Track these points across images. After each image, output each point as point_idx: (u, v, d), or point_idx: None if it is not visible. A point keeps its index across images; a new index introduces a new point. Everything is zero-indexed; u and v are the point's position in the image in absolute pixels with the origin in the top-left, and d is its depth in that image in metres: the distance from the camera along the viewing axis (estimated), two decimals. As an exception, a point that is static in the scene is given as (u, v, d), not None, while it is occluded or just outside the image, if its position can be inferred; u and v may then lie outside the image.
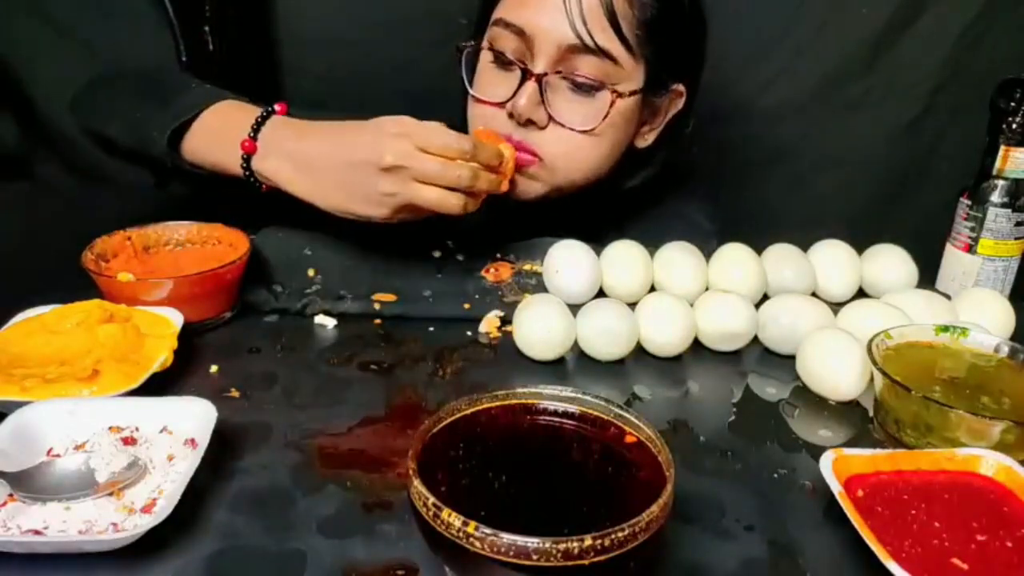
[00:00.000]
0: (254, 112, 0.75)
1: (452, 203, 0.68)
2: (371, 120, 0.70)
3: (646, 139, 0.88)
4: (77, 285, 0.68)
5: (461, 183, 0.68)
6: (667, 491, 0.38)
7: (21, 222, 0.85)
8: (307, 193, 0.70)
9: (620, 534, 0.35)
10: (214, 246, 0.75)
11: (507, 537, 0.35)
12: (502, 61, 0.80)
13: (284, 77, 1.18)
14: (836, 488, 0.47)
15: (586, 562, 0.35)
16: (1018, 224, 0.79)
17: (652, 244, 0.78)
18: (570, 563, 0.35)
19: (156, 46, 1.08)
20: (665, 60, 0.81)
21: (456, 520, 0.36)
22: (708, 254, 0.77)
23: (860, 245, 0.80)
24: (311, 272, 0.76)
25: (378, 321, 0.72)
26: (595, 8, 0.76)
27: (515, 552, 0.35)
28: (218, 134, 0.76)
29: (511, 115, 0.79)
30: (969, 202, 0.80)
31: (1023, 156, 0.77)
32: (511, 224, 0.91)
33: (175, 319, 0.64)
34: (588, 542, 0.35)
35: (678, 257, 0.75)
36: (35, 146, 1.16)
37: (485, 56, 0.83)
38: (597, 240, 0.80)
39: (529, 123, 0.79)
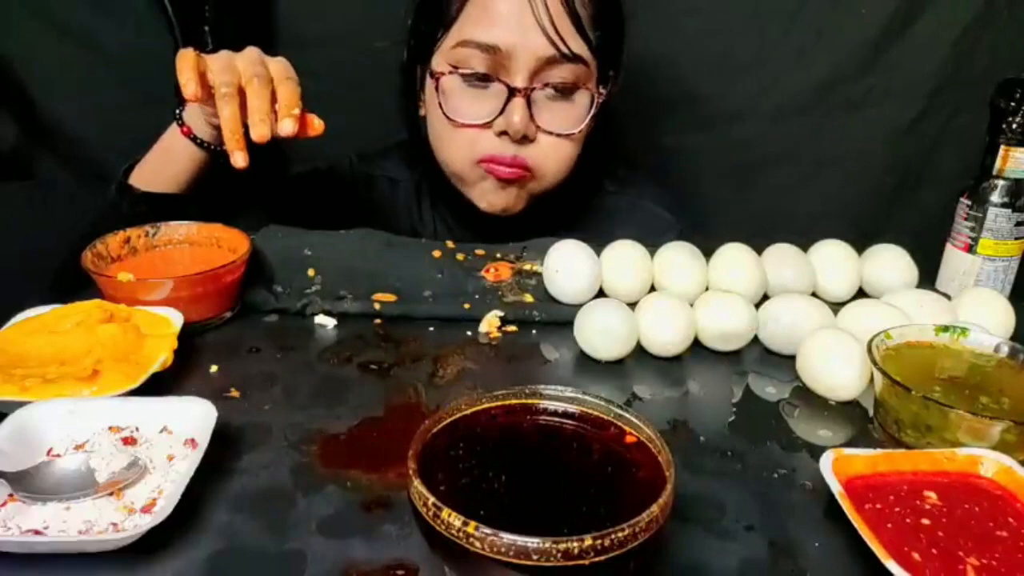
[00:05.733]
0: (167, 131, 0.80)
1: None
2: None
3: (588, 125, 0.91)
4: (77, 285, 0.68)
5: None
6: (667, 491, 0.38)
7: (21, 222, 0.85)
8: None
9: (620, 534, 0.35)
10: (214, 246, 0.75)
11: (507, 537, 0.35)
12: (475, 81, 0.81)
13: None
14: (836, 488, 0.47)
15: (586, 562, 0.35)
16: (1018, 224, 0.79)
17: (610, 233, 0.80)
18: (570, 563, 0.35)
19: (156, 46, 1.08)
20: (609, 51, 0.85)
21: (456, 520, 0.36)
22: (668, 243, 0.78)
23: (860, 245, 0.80)
24: (311, 272, 0.76)
25: (378, 321, 0.72)
26: (562, 16, 0.79)
27: (515, 552, 0.35)
28: (158, 158, 0.81)
29: (501, 133, 0.82)
30: (969, 202, 0.80)
31: (1023, 156, 0.77)
32: (471, 226, 0.95)
33: (175, 319, 0.64)
34: (588, 542, 0.35)
35: (678, 257, 0.75)
36: (35, 146, 1.16)
37: (449, 81, 0.83)
38: (559, 231, 0.84)
39: (523, 138, 0.82)
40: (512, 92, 0.80)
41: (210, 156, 0.81)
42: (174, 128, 0.80)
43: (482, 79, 0.81)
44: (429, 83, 0.86)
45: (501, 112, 0.81)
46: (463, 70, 0.82)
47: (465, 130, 0.84)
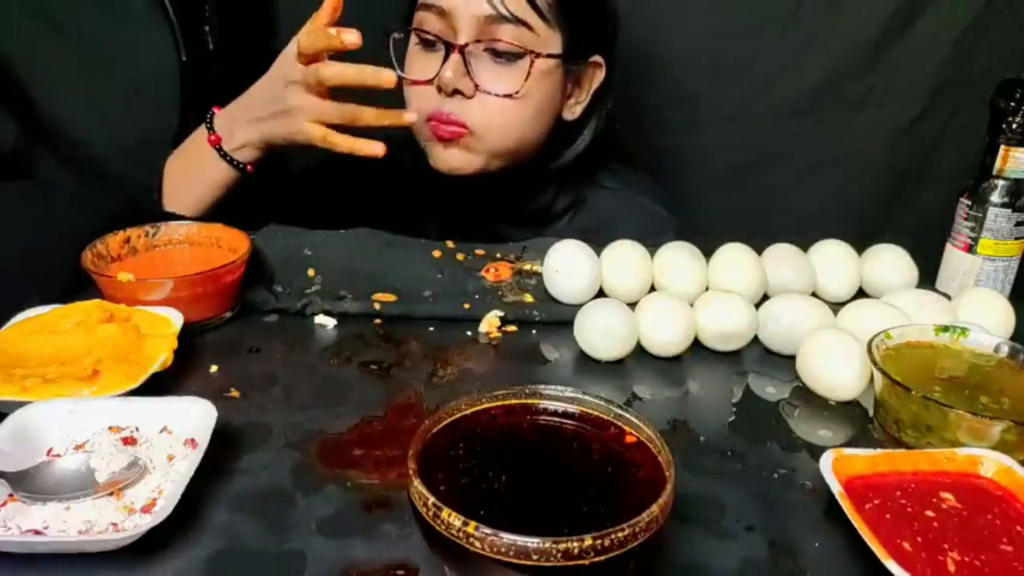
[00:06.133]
0: (197, 131, 0.87)
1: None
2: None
3: (573, 112, 0.93)
4: (77, 285, 0.68)
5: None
6: (667, 491, 0.38)
7: (21, 222, 0.85)
8: (262, 134, 0.83)
9: (620, 534, 0.35)
10: (214, 246, 0.75)
11: (507, 537, 0.35)
12: (426, 42, 0.85)
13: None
14: (836, 488, 0.47)
15: (586, 562, 0.35)
16: (1018, 224, 0.79)
17: (611, 231, 0.81)
18: (570, 563, 0.35)
19: (156, 46, 1.08)
20: (580, 30, 0.87)
21: (456, 520, 0.36)
22: (667, 241, 0.78)
23: (860, 245, 0.80)
24: (311, 272, 0.76)
25: (378, 321, 0.72)
26: None
27: (515, 552, 0.35)
28: (185, 168, 0.88)
29: (439, 89, 0.84)
30: (969, 202, 0.80)
31: (1023, 156, 0.77)
32: (472, 210, 0.98)
33: (175, 319, 0.64)
34: (588, 542, 0.35)
35: (678, 257, 0.75)
36: (35, 146, 1.16)
37: (412, 40, 0.88)
38: (555, 223, 0.92)
39: (457, 94, 0.84)
40: (449, 48, 0.83)
41: (240, 175, 0.86)
42: (202, 143, 0.85)
43: (430, 39, 0.85)
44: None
45: (441, 69, 0.84)
46: (419, 31, 0.85)
47: (415, 88, 0.87)
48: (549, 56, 0.85)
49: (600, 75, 0.92)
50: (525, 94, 0.85)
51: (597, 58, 0.90)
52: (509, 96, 0.84)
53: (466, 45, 0.82)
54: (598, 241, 0.77)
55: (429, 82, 0.85)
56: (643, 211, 0.99)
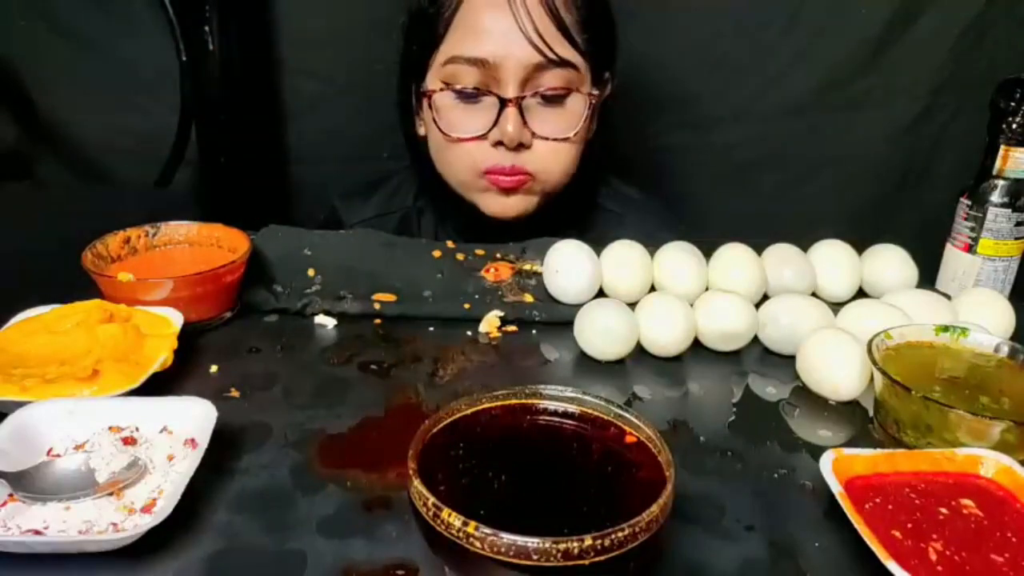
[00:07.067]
0: None
1: None
2: None
3: (591, 130, 0.92)
4: (77, 285, 0.68)
5: None
6: (667, 491, 0.38)
7: (21, 222, 0.85)
8: None
9: (620, 534, 0.35)
10: (214, 246, 0.75)
11: (507, 537, 0.35)
12: (466, 96, 0.83)
13: (284, 77, 1.18)
14: (836, 488, 0.47)
15: (586, 562, 0.35)
16: (1018, 224, 0.79)
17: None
18: (570, 563, 0.35)
19: (156, 46, 1.08)
20: (601, 53, 0.86)
21: (456, 520, 0.36)
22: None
23: (860, 245, 0.80)
24: (311, 272, 0.76)
25: (378, 321, 0.72)
26: (546, 23, 0.80)
27: (515, 552, 0.35)
28: None
29: (497, 144, 0.83)
30: (969, 202, 0.80)
31: (1023, 156, 0.77)
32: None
33: (175, 319, 0.64)
34: (588, 542, 0.35)
35: (678, 257, 0.75)
36: (35, 146, 1.16)
37: (442, 98, 0.85)
38: None
39: (519, 146, 0.83)
40: (503, 103, 0.82)
41: None
42: None
43: (474, 93, 0.83)
44: (424, 102, 0.88)
45: (495, 123, 0.82)
46: (455, 86, 0.83)
47: (463, 144, 0.85)
48: (590, 94, 0.85)
49: (607, 90, 0.91)
50: (579, 133, 0.85)
51: (607, 74, 0.90)
52: (566, 139, 0.84)
53: (522, 97, 0.82)
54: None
55: (482, 138, 0.84)
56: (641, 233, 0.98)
